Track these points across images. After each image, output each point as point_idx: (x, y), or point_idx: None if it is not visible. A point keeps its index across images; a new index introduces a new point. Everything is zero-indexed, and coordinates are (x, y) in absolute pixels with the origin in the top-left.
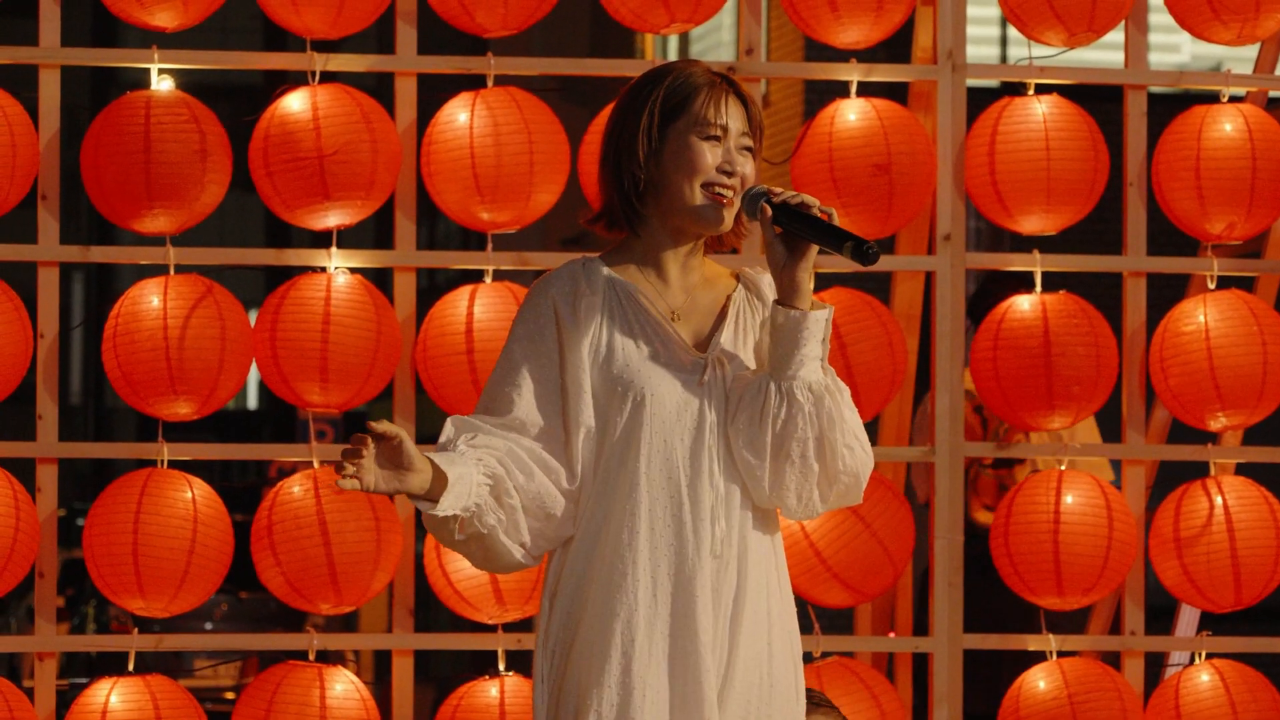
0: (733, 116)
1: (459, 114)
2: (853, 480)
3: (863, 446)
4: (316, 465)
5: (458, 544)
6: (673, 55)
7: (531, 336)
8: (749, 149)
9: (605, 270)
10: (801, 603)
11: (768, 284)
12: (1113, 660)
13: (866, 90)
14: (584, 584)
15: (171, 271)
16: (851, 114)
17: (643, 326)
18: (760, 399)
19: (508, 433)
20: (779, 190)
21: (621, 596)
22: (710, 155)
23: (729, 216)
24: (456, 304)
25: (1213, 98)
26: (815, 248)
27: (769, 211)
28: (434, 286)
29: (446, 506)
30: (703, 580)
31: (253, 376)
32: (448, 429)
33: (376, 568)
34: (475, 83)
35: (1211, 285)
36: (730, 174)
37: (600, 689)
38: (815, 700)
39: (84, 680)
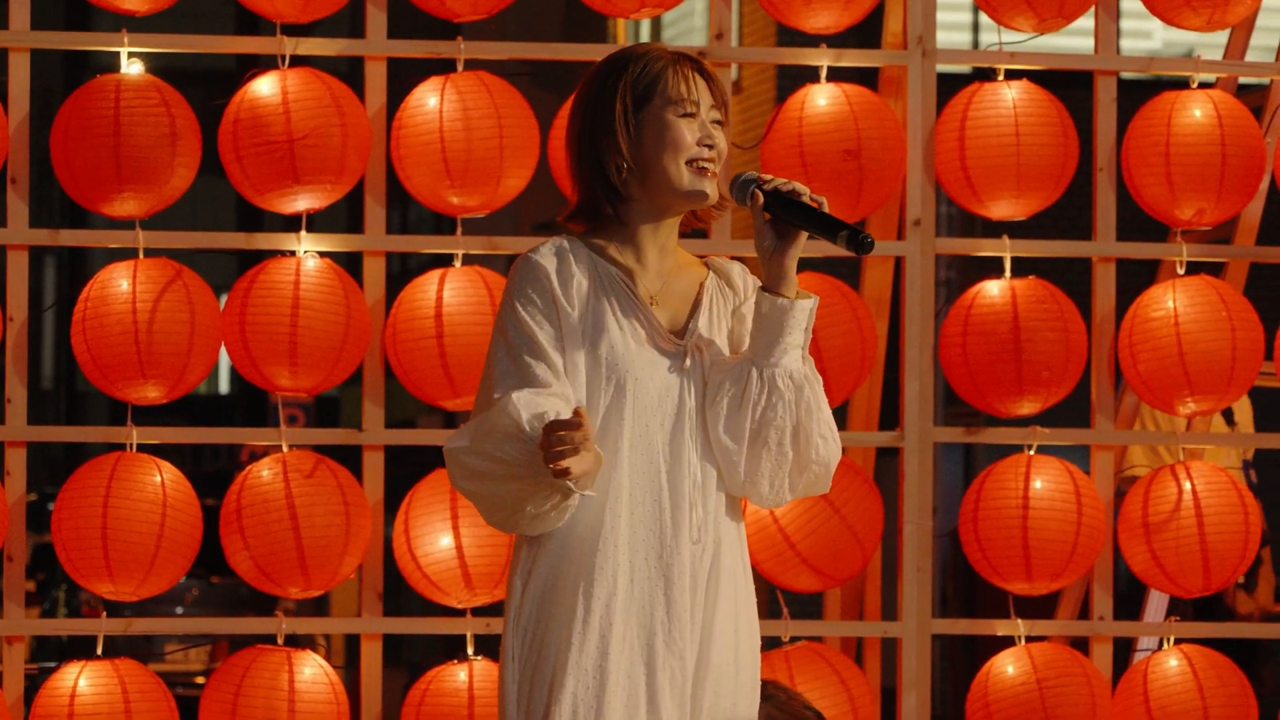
0: (701, 92)
1: (429, 98)
2: (823, 470)
3: (834, 437)
4: (285, 449)
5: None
6: (645, 40)
7: (536, 305)
8: (719, 122)
9: (589, 251)
10: (770, 588)
11: (738, 273)
12: (1081, 645)
13: (837, 75)
14: (561, 565)
15: (141, 255)
16: (822, 99)
17: (626, 310)
18: (742, 384)
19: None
20: (769, 177)
21: (601, 579)
22: (689, 131)
23: (714, 188)
24: (426, 288)
25: (1183, 84)
26: (804, 235)
27: (760, 198)
28: (406, 272)
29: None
30: (680, 566)
31: (224, 361)
32: (520, 412)
33: (345, 552)
34: (445, 67)
35: (1181, 271)
36: (710, 146)
37: (577, 671)
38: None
39: (54, 665)
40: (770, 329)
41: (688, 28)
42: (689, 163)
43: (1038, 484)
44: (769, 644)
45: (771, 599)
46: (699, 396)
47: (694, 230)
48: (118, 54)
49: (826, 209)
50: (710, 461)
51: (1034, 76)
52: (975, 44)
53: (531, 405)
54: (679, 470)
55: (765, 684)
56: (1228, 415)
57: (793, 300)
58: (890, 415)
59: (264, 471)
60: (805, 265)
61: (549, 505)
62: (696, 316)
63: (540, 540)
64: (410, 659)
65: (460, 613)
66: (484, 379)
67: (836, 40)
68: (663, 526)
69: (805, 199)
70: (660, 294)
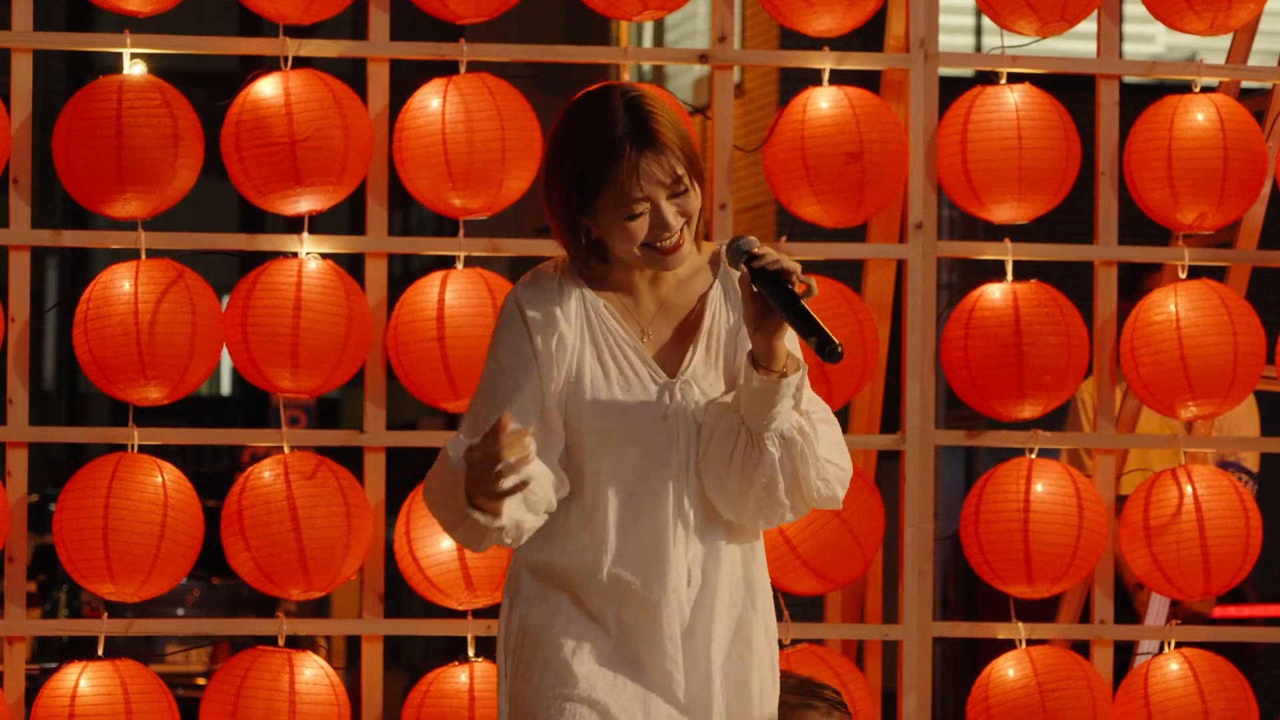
0: (654, 176)
1: (431, 100)
2: (831, 499)
3: (838, 472)
4: (287, 450)
5: (466, 528)
6: (648, 43)
7: (512, 354)
8: (684, 190)
9: (578, 282)
10: (771, 590)
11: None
12: (1082, 649)
13: (839, 78)
14: (543, 596)
15: (143, 256)
16: (824, 102)
17: (612, 350)
18: (730, 443)
19: None
20: (761, 252)
21: (586, 630)
22: (640, 226)
23: (679, 256)
24: (428, 290)
25: (1185, 88)
26: (787, 325)
27: (746, 274)
28: (407, 273)
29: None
30: (669, 611)
31: (226, 362)
32: (451, 460)
33: (346, 553)
34: (448, 69)
35: (1182, 275)
36: (667, 229)
37: (562, 702)
38: (831, 701)
39: (55, 665)
40: (758, 402)
41: (690, 30)
42: (644, 246)
43: (1039, 487)
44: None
45: (774, 602)
46: (688, 436)
47: None
48: (120, 55)
49: (815, 290)
50: (703, 499)
51: (1036, 80)
52: (978, 47)
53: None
54: (664, 514)
55: (823, 690)
56: None
57: (779, 377)
58: (891, 418)
59: (265, 473)
60: (807, 268)
61: (495, 538)
62: (692, 349)
63: (522, 569)
64: (411, 660)
65: (461, 614)
66: (467, 409)
67: (839, 43)
68: (648, 569)
69: (793, 280)
70: (656, 320)
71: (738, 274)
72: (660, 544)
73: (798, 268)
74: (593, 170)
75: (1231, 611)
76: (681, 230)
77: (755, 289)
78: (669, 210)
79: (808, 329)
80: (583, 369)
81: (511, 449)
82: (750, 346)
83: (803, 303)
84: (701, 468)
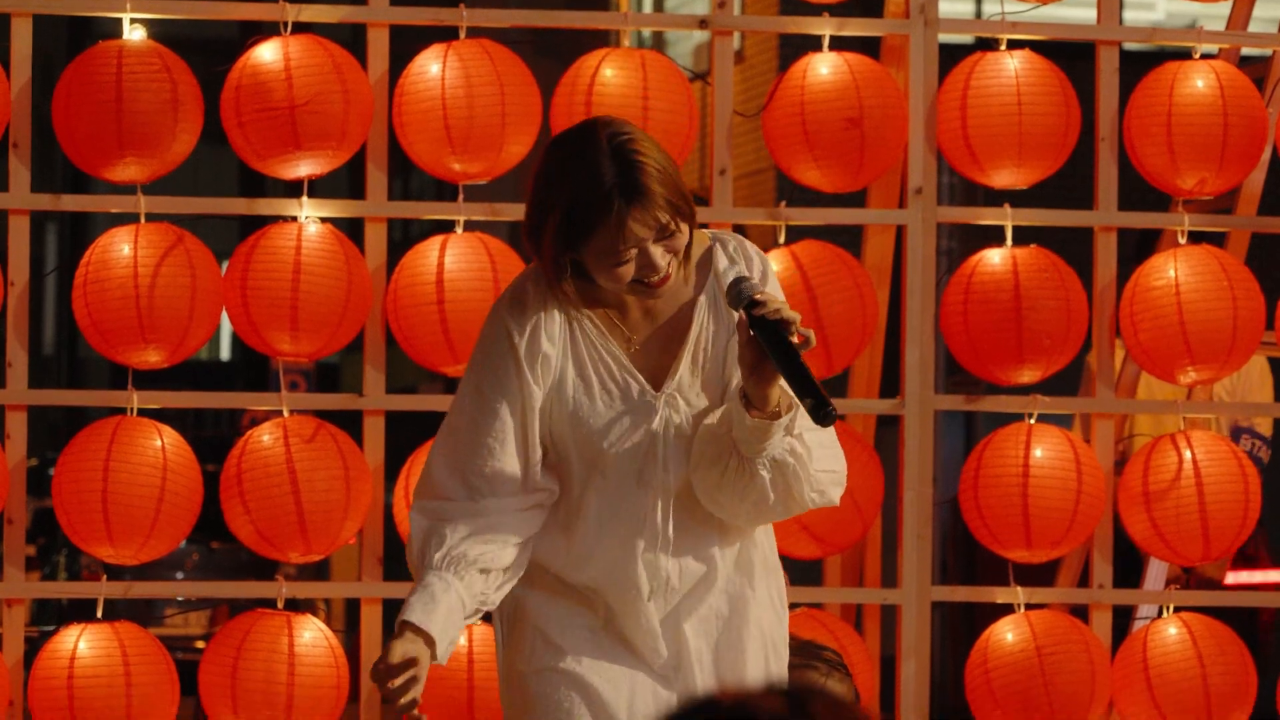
0: (640, 228)
1: (431, 65)
2: (825, 503)
3: (833, 473)
4: (286, 414)
5: None
6: (648, 9)
7: (491, 377)
8: (671, 231)
9: (563, 297)
10: (779, 564)
11: (735, 275)
12: (1081, 613)
13: (839, 44)
14: (534, 571)
15: (142, 220)
16: (824, 68)
17: (595, 364)
18: (720, 467)
19: (480, 517)
20: (763, 299)
21: (574, 600)
22: (628, 270)
23: (667, 288)
24: (427, 254)
25: (1185, 54)
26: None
27: (745, 320)
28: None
29: (443, 656)
30: (648, 610)
31: (225, 326)
32: (417, 532)
33: (346, 517)
34: (448, 35)
35: (1182, 240)
36: (655, 270)
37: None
38: (831, 663)
39: (54, 628)
40: (750, 438)
41: None
42: (632, 282)
43: (1038, 452)
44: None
45: None
46: (675, 448)
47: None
48: (120, 20)
49: (813, 342)
50: (688, 506)
51: (1036, 46)
52: (978, 14)
53: (425, 548)
54: (646, 523)
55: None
56: None
57: (771, 421)
58: (891, 383)
59: (264, 436)
60: (806, 233)
61: None
62: (678, 361)
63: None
64: None
65: None
66: (447, 417)
67: (839, 9)
68: (620, 585)
69: (792, 330)
70: (643, 330)
71: (737, 319)
72: (636, 557)
73: (797, 318)
74: (580, 218)
75: (1244, 578)
76: (669, 265)
77: (752, 334)
78: (657, 252)
79: (803, 390)
80: (565, 383)
81: (398, 693)
82: (742, 385)
83: (800, 358)
84: (694, 482)
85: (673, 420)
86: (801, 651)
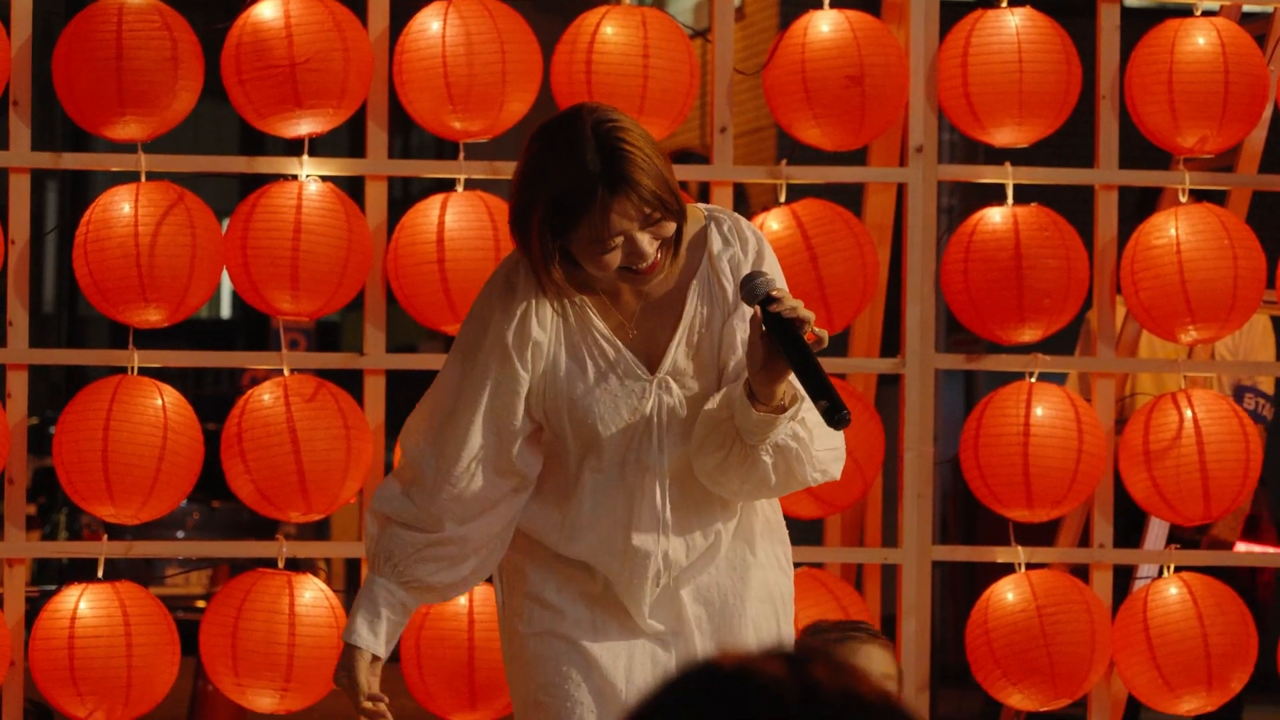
0: (626, 213)
1: (431, 23)
2: (829, 480)
3: (833, 450)
4: (287, 374)
5: None
6: None
7: (481, 356)
8: (658, 219)
9: (554, 280)
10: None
11: (733, 262)
12: (1081, 573)
13: (840, 2)
14: (529, 554)
15: (143, 179)
16: (825, 25)
17: (590, 348)
18: (723, 452)
19: (438, 530)
20: (779, 294)
21: (573, 564)
22: (615, 257)
23: (655, 275)
24: (428, 213)
25: (1186, 11)
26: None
27: (760, 316)
28: (408, 196)
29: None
30: (643, 585)
31: (226, 285)
32: (373, 527)
33: (346, 476)
34: None
35: (1183, 199)
36: (643, 258)
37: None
38: (869, 631)
39: (55, 587)
40: (753, 428)
41: None
42: (620, 269)
43: (1039, 411)
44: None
45: None
46: (669, 431)
47: (693, 157)
48: None
49: (826, 342)
50: (684, 486)
51: (1037, 3)
52: None
53: (387, 547)
54: (640, 502)
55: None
56: None
57: (776, 416)
58: (891, 342)
59: (265, 395)
60: (807, 191)
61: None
62: (673, 344)
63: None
64: None
65: None
66: (430, 392)
67: None
68: (612, 566)
69: (806, 329)
70: (637, 313)
71: (750, 315)
72: (630, 537)
73: (812, 317)
74: (565, 208)
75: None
76: (658, 252)
77: (765, 330)
78: (644, 241)
79: (818, 392)
80: (558, 367)
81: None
82: (748, 377)
83: (815, 359)
84: (695, 465)
85: (667, 403)
86: (839, 627)
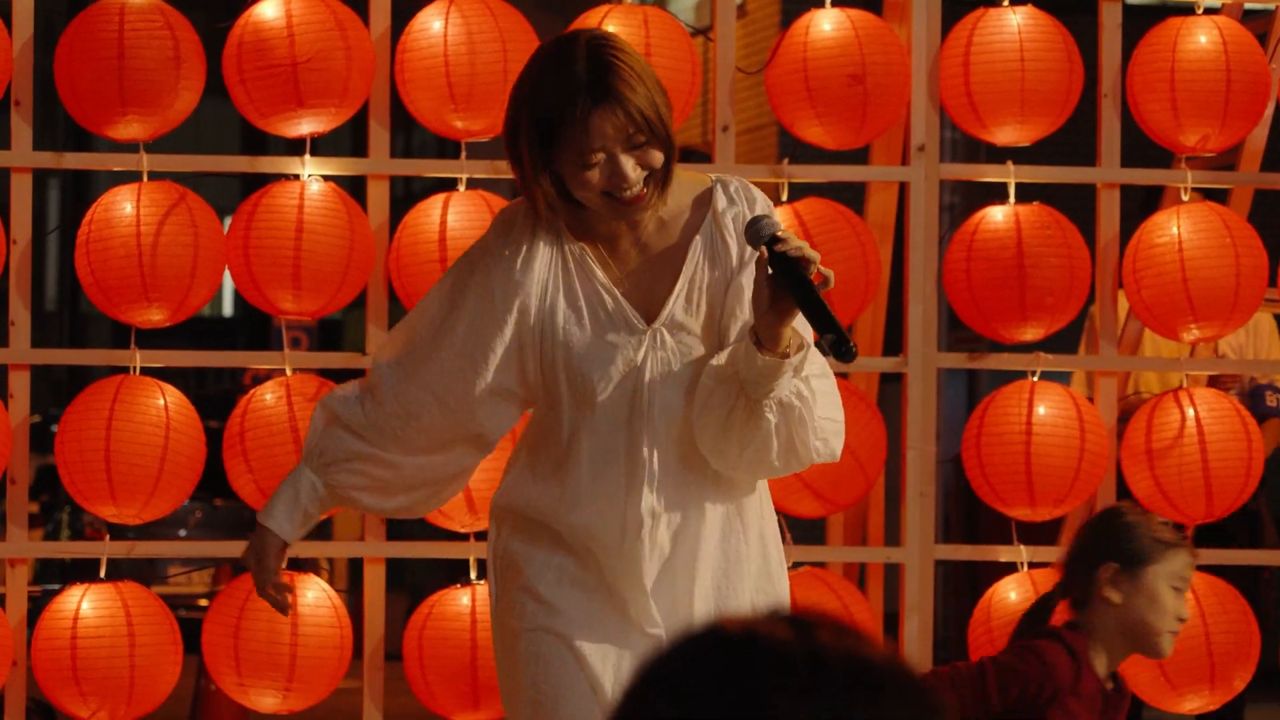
0: (608, 130)
1: (433, 22)
2: (828, 455)
3: (833, 435)
4: (289, 373)
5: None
6: None
7: (469, 291)
8: (644, 142)
9: (556, 227)
10: (775, 516)
11: (737, 219)
12: None
13: (842, 0)
14: (528, 525)
15: (145, 178)
16: (826, 24)
17: (588, 295)
18: (726, 409)
19: (374, 441)
20: (784, 235)
21: (567, 556)
22: (595, 176)
23: (641, 207)
24: (430, 212)
25: (1188, 9)
26: (798, 309)
27: (765, 256)
28: (410, 195)
29: (289, 534)
30: (639, 556)
31: (228, 284)
32: (321, 417)
33: None
34: None
35: (1185, 197)
36: (625, 181)
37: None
38: None
39: (57, 587)
40: (759, 378)
41: None
42: (604, 195)
43: (1041, 410)
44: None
45: None
46: (664, 383)
47: (694, 155)
48: None
49: (831, 282)
50: (677, 449)
51: (1039, 2)
52: None
53: (323, 444)
54: (636, 461)
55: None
56: None
57: (781, 360)
58: (894, 340)
59: (267, 395)
60: (809, 190)
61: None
62: (671, 298)
63: (510, 480)
64: (413, 583)
65: (464, 537)
66: (412, 313)
67: None
68: (610, 523)
69: (811, 269)
70: (636, 265)
71: (756, 257)
72: (626, 492)
73: (817, 256)
74: (551, 117)
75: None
76: (644, 183)
77: (771, 272)
78: (627, 163)
79: (823, 325)
80: (555, 314)
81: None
82: (751, 320)
83: (819, 296)
84: (695, 428)
85: (660, 355)
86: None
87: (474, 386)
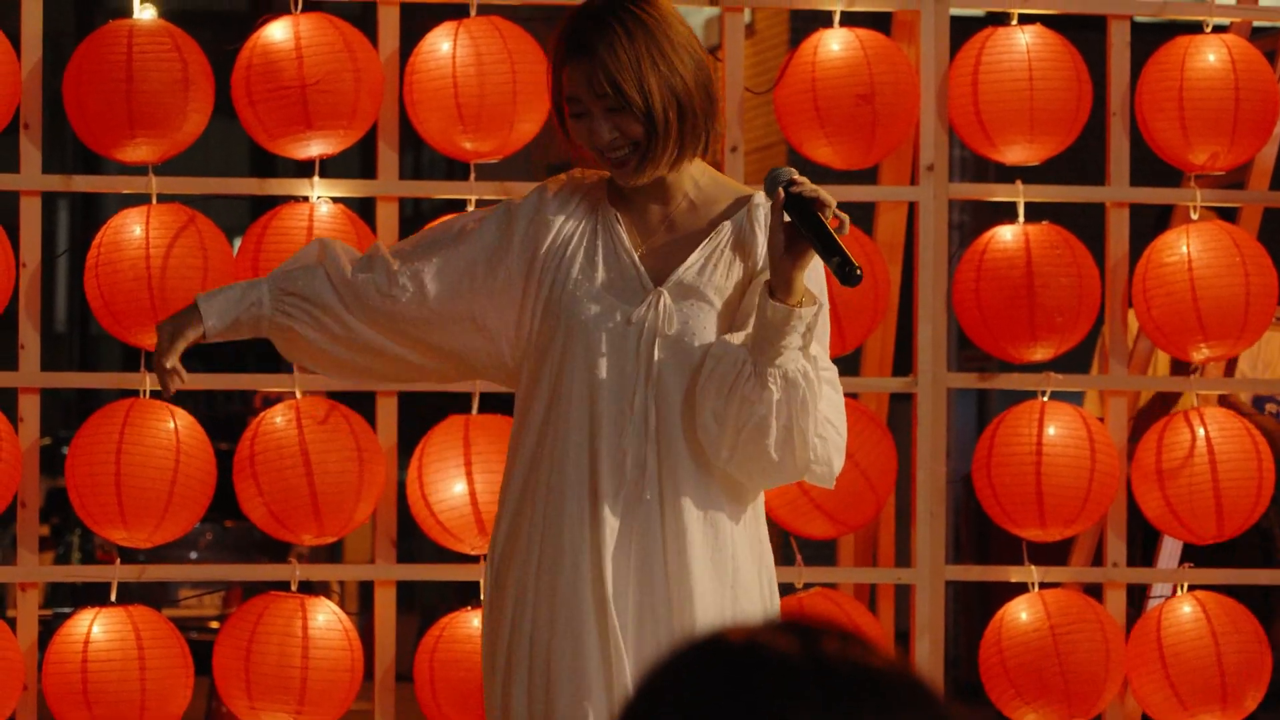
0: (578, 81)
1: (442, 43)
2: (825, 469)
3: (836, 431)
4: (299, 395)
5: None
6: None
7: (494, 218)
8: (619, 108)
9: (600, 190)
10: (784, 534)
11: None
12: (1095, 592)
13: (850, 20)
14: (519, 523)
15: (154, 201)
16: (835, 44)
17: (606, 254)
18: (732, 373)
19: (343, 290)
20: (800, 180)
21: (557, 556)
22: (581, 128)
23: (628, 174)
24: None
25: (1196, 28)
26: (812, 253)
27: (781, 196)
28: (419, 216)
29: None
30: (609, 518)
31: None
32: (305, 252)
33: (359, 498)
34: (458, 12)
35: (1194, 216)
36: (599, 140)
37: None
38: None
39: (68, 610)
40: (769, 332)
41: None
42: (600, 154)
43: (1051, 430)
44: (783, 590)
45: (785, 545)
46: (655, 348)
47: None
48: None
49: (847, 228)
50: (674, 415)
51: (1047, 20)
52: None
53: (300, 277)
54: (622, 419)
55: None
56: None
57: (793, 308)
58: (903, 360)
59: (277, 418)
60: None
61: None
62: (684, 265)
63: (512, 469)
64: (424, 605)
65: (474, 559)
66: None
67: None
68: (592, 475)
69: (827, 213)
70: (660, 238)
71: (770, 201)
72: (613, 445)
73: (833, 202)
74: (553, 63)
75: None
76: (627, 150)
77: (787, 216)
78: (601, 125)
79: (829, 250)
80: (572, 265)
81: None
82: (769, 276)
83: (832, 232)
84: (697, 398)
85: (658, 313)
86: None
87: (461, 299)
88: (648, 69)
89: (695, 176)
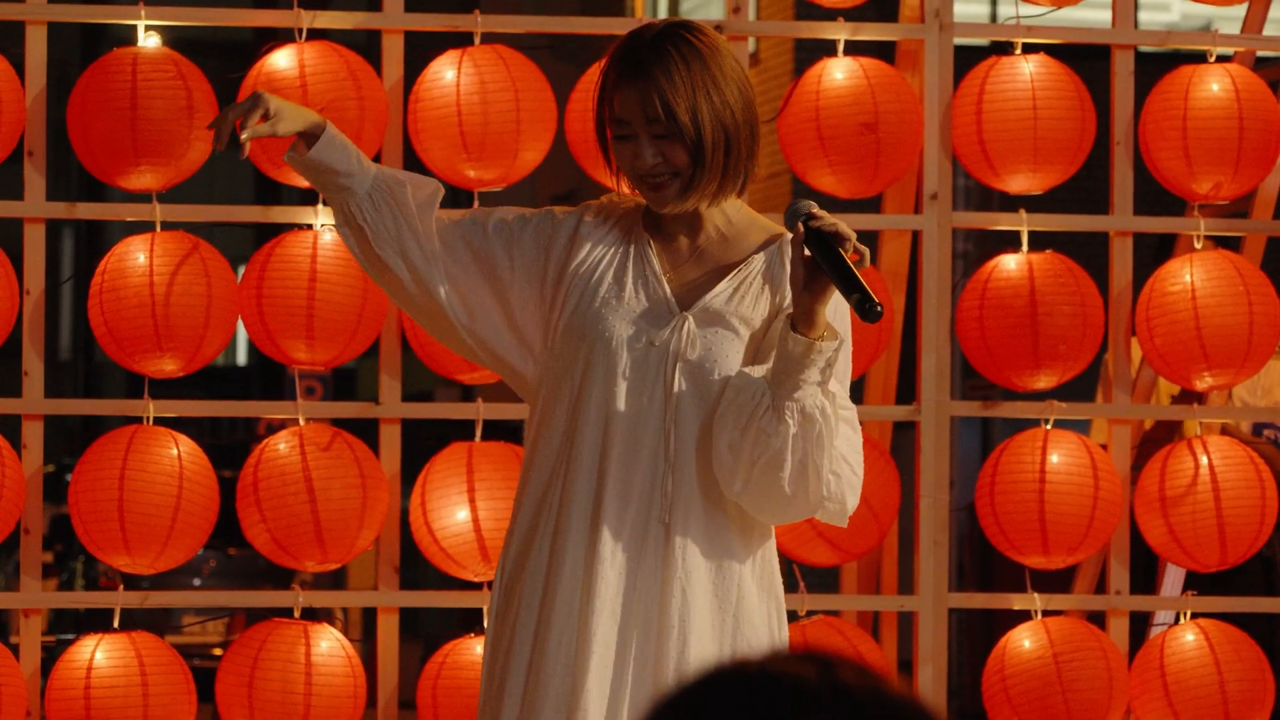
0: (630, 103)
1: (446, 72)
2: (838, 507)
3: (851, 474)
4: (302, 422)
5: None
6: (663, 13)
7: (540, 216)
8: (666, 135)
9: (637, 215)
10: (787, 562)
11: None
12: (1098, 619)
13: (854, 49)
14: (527, 547)
15: (158, 228)
16: (839, 73)
17: (635, 276)
18: (750, 404)
19: (403, 208)
20: (820, 215)
21: (561, 582)
22: (624, 151)
23: (664, 199)
24: None
25: (1200, 57)
26: (833, 286)
27: (801, 231)
28: None
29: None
30: (611, 540)
31: (241, 334)
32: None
33: (362, 525)
34: (463, 40)
35: (1198, 245)
36: (643, 164)
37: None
38: None
39: (71, 636)
40: (788, 364)
41: (705, 0)
42: (639, 179)
43: (1054, 458)
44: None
45: (788, 573)
46: (684, 373)
47: None
48: (134, 27)
49: (867, 261)
50: (690, 442)
51: (1051, 50)
52: (993, 17)
53: (390, 181)
54: (637, 443)
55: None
56: None
57: (813, 341)
58: (907, 389)
59: (281, 444)
60: None
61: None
62: (712, 292)
63: (523, 495)
64: (427, 632)
65: (476, 586)
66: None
67: (854, 14)
68: (597, 495)
69: (847, 246)
70: (689, 267)
71: (792, 235)
72: (628, 468)
73: (853, 235)
74: (602, 85)
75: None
76: (668, 177)
77: (808, 251)
78: (647, 148)
79: (850, 286)
80: (601, 284)
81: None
82: (791, 310)
83: (851, 267)
84: (715, 428)
85: (681, 337)
86: None
87: (496, 280)
88: (701, 98)
89: (728, 211)
